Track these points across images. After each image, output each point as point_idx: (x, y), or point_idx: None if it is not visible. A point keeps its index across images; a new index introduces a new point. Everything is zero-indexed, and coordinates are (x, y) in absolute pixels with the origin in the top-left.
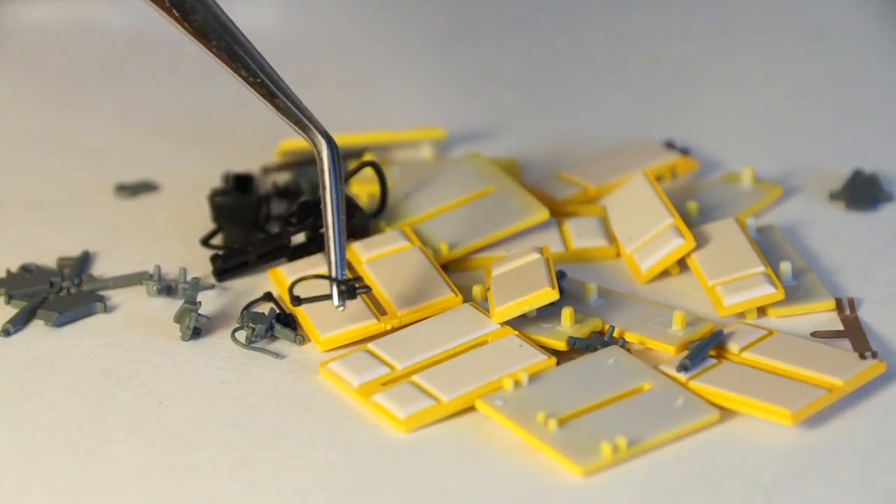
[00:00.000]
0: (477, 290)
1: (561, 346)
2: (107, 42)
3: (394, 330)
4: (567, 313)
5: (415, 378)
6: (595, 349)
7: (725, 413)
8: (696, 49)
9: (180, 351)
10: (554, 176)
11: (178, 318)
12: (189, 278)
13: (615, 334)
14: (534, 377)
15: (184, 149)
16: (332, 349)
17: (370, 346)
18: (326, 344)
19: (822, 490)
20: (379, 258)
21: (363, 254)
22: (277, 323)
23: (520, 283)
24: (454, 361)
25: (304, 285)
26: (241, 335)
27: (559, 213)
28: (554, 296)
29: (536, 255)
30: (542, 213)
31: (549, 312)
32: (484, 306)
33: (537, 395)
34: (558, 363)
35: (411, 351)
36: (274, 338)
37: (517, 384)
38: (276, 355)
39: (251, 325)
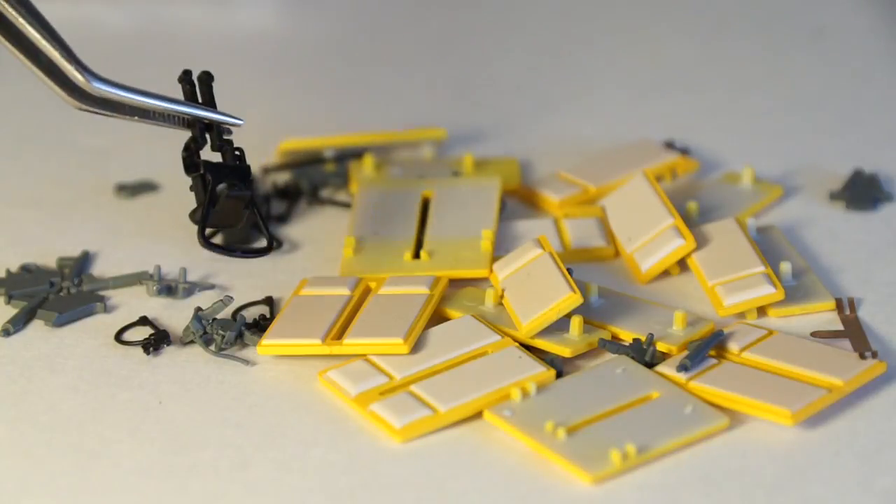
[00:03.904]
0: (489, 295)
1: (566, 353)
2: (107, 42)
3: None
4: (576, 321)
5: (412, 388)
6: (628, 354)
7: (725, 413)
8: (696, 49)
9: (180, 351)
10: (554, 176)
11: (206, 341)
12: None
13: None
14: (542, 387)
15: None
16: (272, 355)
17: (369, 355)
18: (264, 349)
19: (822, 490)
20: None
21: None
22: (247, 329)
23: (537, 289)
24: (453, 372)
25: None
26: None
27: (559, 213)
28: (578, 300)
29: (538, 250)
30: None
31: None
32: (500, 311)
33: (545, 405)
34: (563, 372)
35: (410, 361)
36: (245, 344)
37: (525, 394)
38: (246, 362)
39: (220, 332)
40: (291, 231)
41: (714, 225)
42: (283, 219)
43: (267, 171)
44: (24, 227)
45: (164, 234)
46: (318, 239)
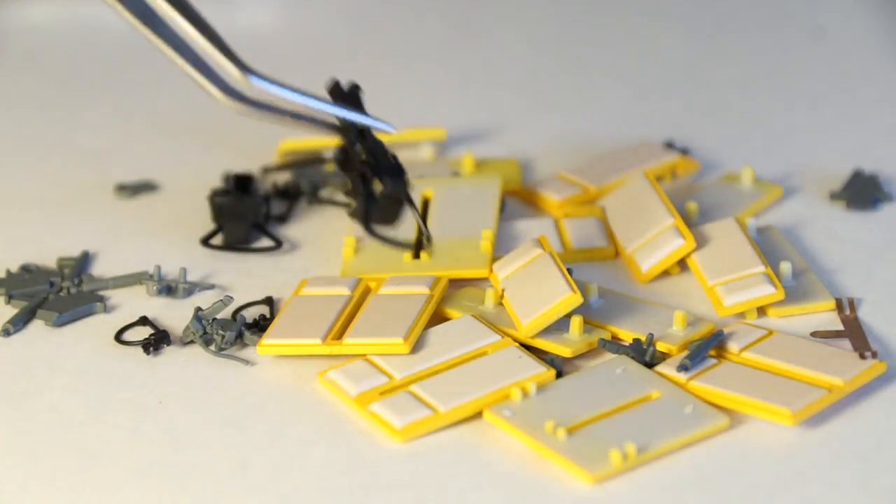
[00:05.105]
0: (489, 295)
1: (566, 353)
2: (107, 42)
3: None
4: (576, 321)
5: (412, 388)
6: (628, 354)
7: (725, 413)
8: (696, 49)
9: (180, 351)
10: (554, 176)
11: (205, 339)
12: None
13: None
14: (542, 387)
15: (184, 149)
16: (272, 355)
17: (370, 355)
18: (264, 349)
19: (822, 490)
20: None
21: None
22: (247, 329)
23: (537, 289)
24: (453, 372)
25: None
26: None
27: (559, 213)
28: (578, 300)
29: (538, 250)
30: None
31: None
32: (500, 311)
33: (545, 405)
34: (563, 372)
35: (410, 361)
36: (245, 344)
37: (525, 394)
38: (246, 362)
39: (220, 331)
40: (291, 231)
41: (714, 225)
42: (283, 219)
43: (267, 171)
44: (24, 227)
45: (164, 234)
46: (318, 239)
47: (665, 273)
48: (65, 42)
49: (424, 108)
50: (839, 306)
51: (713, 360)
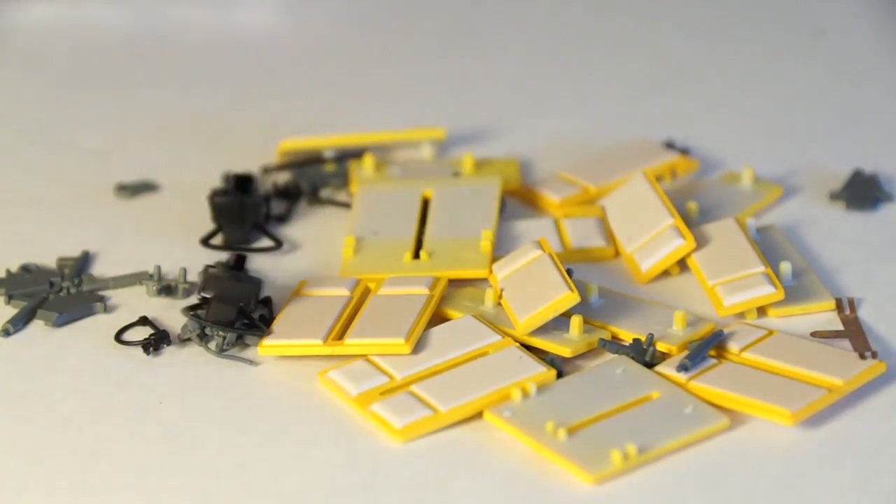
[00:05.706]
0: (489, 295)
1: (566, 353)
2: (107, 42)
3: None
4: (576, 321)
5: (413, 388)
6: (627, 354)
7: (725, 413)
8: (696, 48)
9: (180, 351)
10: (554, 176)
11: (204, 339)
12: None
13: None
14: (542, 388)
15: (184, 149)
16: (273, 356)
17: (370, 355)
18: (266, 350)
19: (822, 490)
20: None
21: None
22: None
23: (535, 288)
24: (453, 372)
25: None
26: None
27: (559, 213)
28: (575, 299)
29: (538, 251)
30: None
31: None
32: (499, 311)
33: (546, 406)
34: (563, 372)
35: (411, 361)
36: (245, 345)
37: (525, 394)
38: (250, 362)
39: (221, 333)
40: (291, 231)
41: (714, 225)
42: (283, 219)
43: (267, 171)
44: (24, 227)
45: (164, 234)
46: (318, 239)
47: (665, 273)
48: (65, 42)
49: (424, 108)
50: (839, 306)
51: (713, 360)
